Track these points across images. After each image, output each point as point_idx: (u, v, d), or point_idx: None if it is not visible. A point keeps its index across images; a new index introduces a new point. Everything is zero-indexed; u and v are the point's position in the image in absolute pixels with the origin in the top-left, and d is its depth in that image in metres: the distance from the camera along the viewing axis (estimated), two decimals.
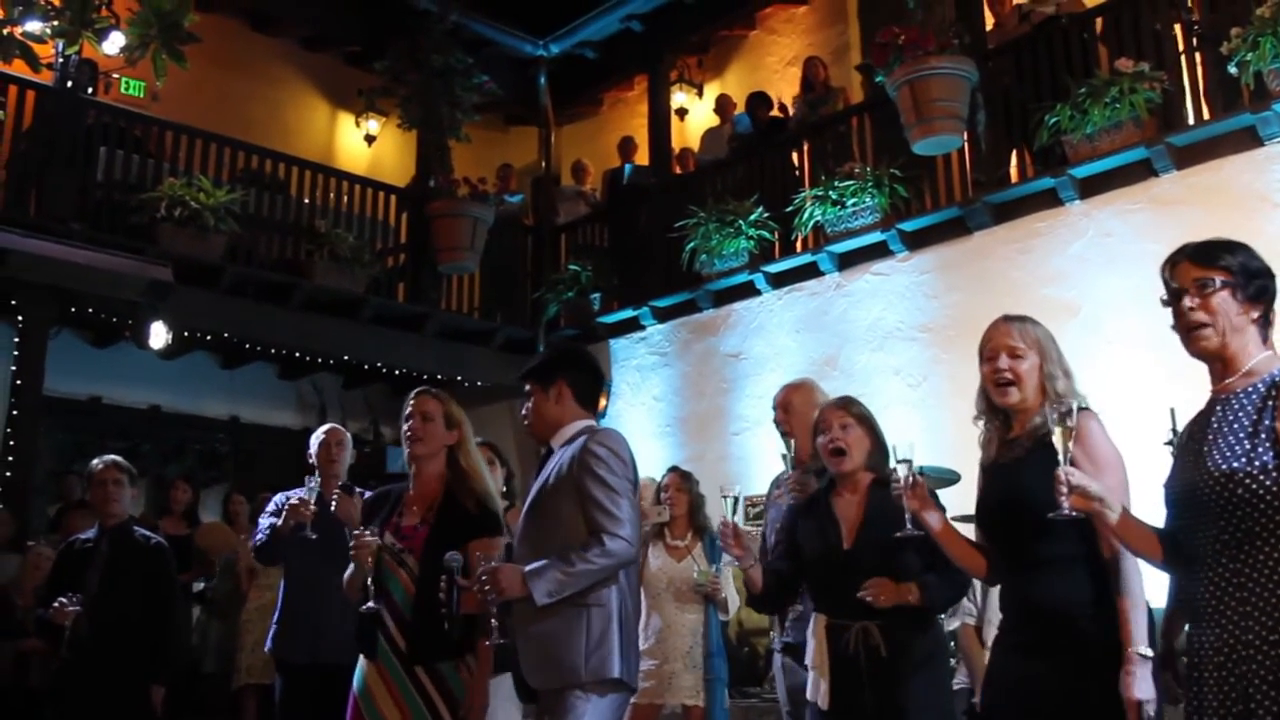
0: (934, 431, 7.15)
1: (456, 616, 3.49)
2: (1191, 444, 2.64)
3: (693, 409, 10.35)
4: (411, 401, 4.02)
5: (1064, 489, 2.64)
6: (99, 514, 5.46)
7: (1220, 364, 2.61)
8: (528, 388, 3.74)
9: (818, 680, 3.81)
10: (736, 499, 3.78)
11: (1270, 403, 2.48)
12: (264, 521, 5.27)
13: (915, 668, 3.65)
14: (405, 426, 3.98)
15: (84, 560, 5.35)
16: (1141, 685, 2.86)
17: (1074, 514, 2.68)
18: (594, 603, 3.37)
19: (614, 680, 3.36)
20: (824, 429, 3.87)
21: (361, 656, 3.87)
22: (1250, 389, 2.54)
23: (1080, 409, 3.07)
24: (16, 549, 7.22)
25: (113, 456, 5.51)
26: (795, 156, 10.12)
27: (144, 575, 5.36)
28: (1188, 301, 2.59)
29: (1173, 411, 5.89)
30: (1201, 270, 2.61)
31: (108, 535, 5.38)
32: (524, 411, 3.75)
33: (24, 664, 6.75)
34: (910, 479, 3.24)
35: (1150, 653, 2.88)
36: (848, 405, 3.91)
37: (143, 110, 10.52)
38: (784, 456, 4.21)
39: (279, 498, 5.25)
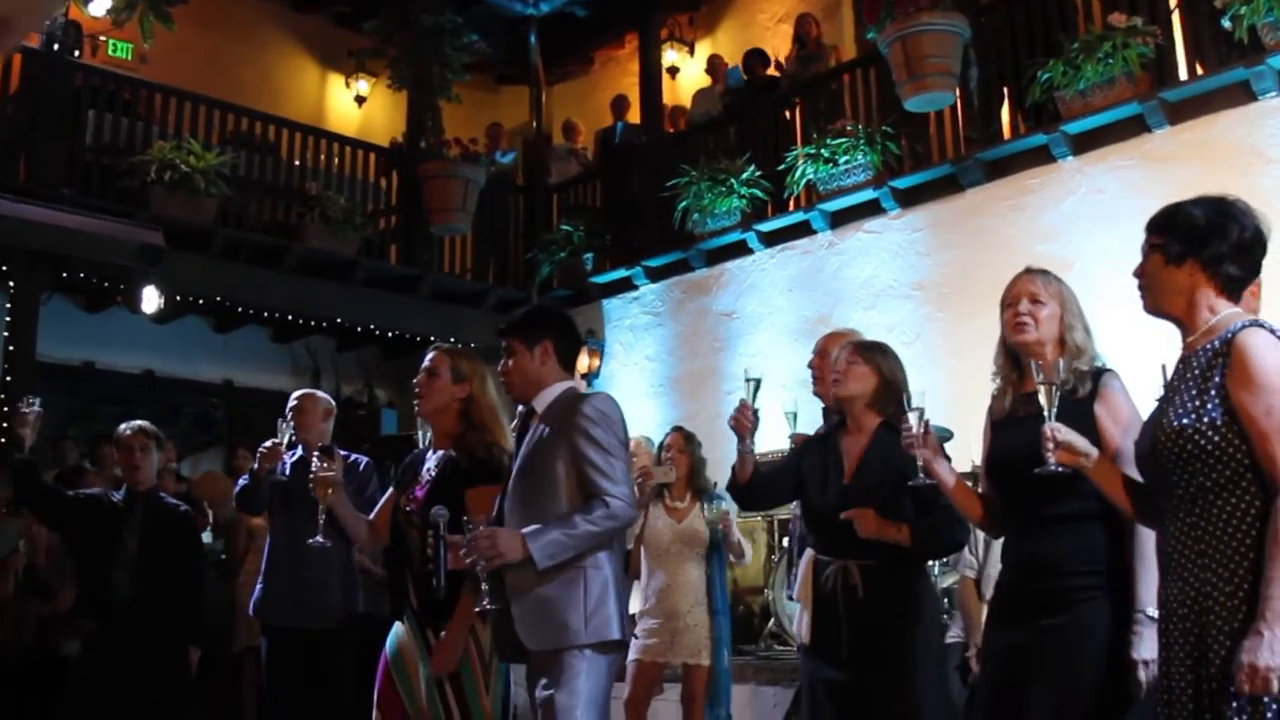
0: (927, 389, 7.15)
1: (442, 572, 3.45)
2: (1160, 403, 2.72)
3: (686, 368, 10.36)
4: (426, 357, 4.01)
5: (1050, 444, 2.74)
6: (126, 479, 5.44)
7: (1176, 324, 2.69)
8: (504, 345, 3.68)
9: (802, 614, 3.87)
10: (758, 382, 3.91)
11: (1221, 359, 2.53)
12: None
13: (894, 612, 3.68)
14: (414, 384, 3.98)
15: (117, 519, 5.33)
16: (1146, 646, 2.93)
17: (1059, 469, 2.77)
18: (590, 565, 3.37)
19: (613, 641, 3.38)
20: (834, 364, 3.99)
21: (396, 619, 3.91)
22: (1207, 346, 2.59)
23: (1104, 370, 3.21)
24: (17, 515, 7.23)
25: (140, 422, 5.50)
26: (787, 114, 10.08)
27: (176, 540, 5.39)
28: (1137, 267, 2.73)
29: (1164, 368, 5.89)
30: (1146, 237, 2.72)
31: (141, 500, 5.37)
32: (503, 368, 3.67)
33: (49, 627, 6.79)
34: (922, 428, 3.27)
35: (1156, 614, 2.89)
36: (860, 346, 3.99)
37: (131, 73, 10.44)
38: (787, 415, 4.23)
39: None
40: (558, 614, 3.32)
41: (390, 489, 4.14)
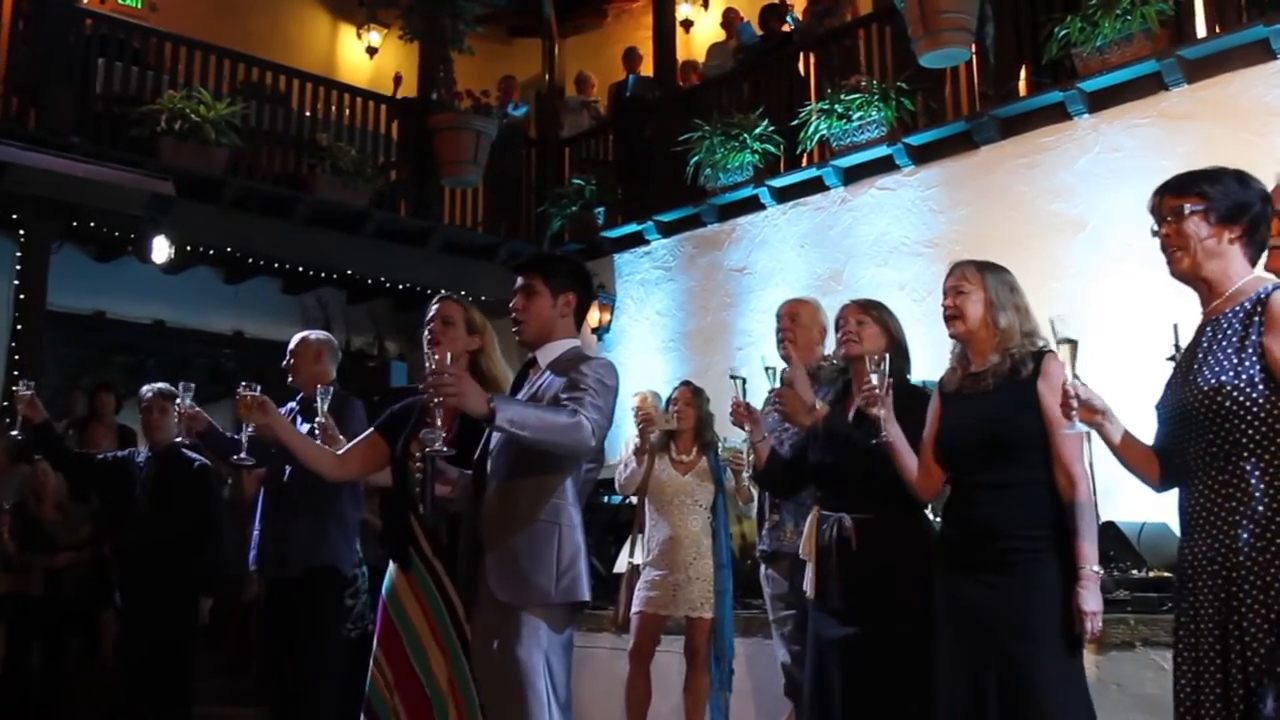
0: (938, 347, 7.10)
1: (430, 499, 3.41)
2: (1182, 365, 2.76)
3: (697, 324, 10.35)
4: (434, 306, 3.89)
5: (1074, 403, 2.75)
6: (146, 438, 5.79)
7: (1204, 286, 2.72)
8: (525, 281, 3.53)
9: (808, 569, 3.99)
10: (744, 379, 4.09)
11: (1256, 318, 2.58)
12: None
13: (887, 563, 3.75)
14: (425, 331, 3.85)
15: (133, 477, 5.69)
16: (1092, 598, 3.17)
17: (1082, 429, 2.82)
18: (566, 523, 3.31)
19: (578, 603, 3.34)
20: (841, 324, 4.07)
21: (391, 561, 3.86)
22: (1238, 308, 2.64)
23: (1046, 351, 3.40)
24: (24, 460, 7.30)
25: (160, 385, 5.76)
26: (801, 69, 10.00)
27: (188, 494, 5.64)
28: (1163, 229, 2.74)
29: (1175, 327, 5.89)
30: (1176, 199, 2.72)
31: (155, 457, 5.68)
32: (517, 306, 3.52)
33: (57, 578, 6.89)
34: (882, 388, 3.47)
35: (1100, 570, 3.19)
36: (865, 305, 4.10)
37: (141, 21, 10.39)
38: (767, 370, 4.30)
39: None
40: (530, 570, 3.28)
41: (371, 429, 4.02)
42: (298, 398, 5.31)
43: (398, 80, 11.90)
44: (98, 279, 9.74)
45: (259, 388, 4.00)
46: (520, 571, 3.29)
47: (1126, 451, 2.83)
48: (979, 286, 3.51)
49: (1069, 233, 7.77)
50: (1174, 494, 4.45)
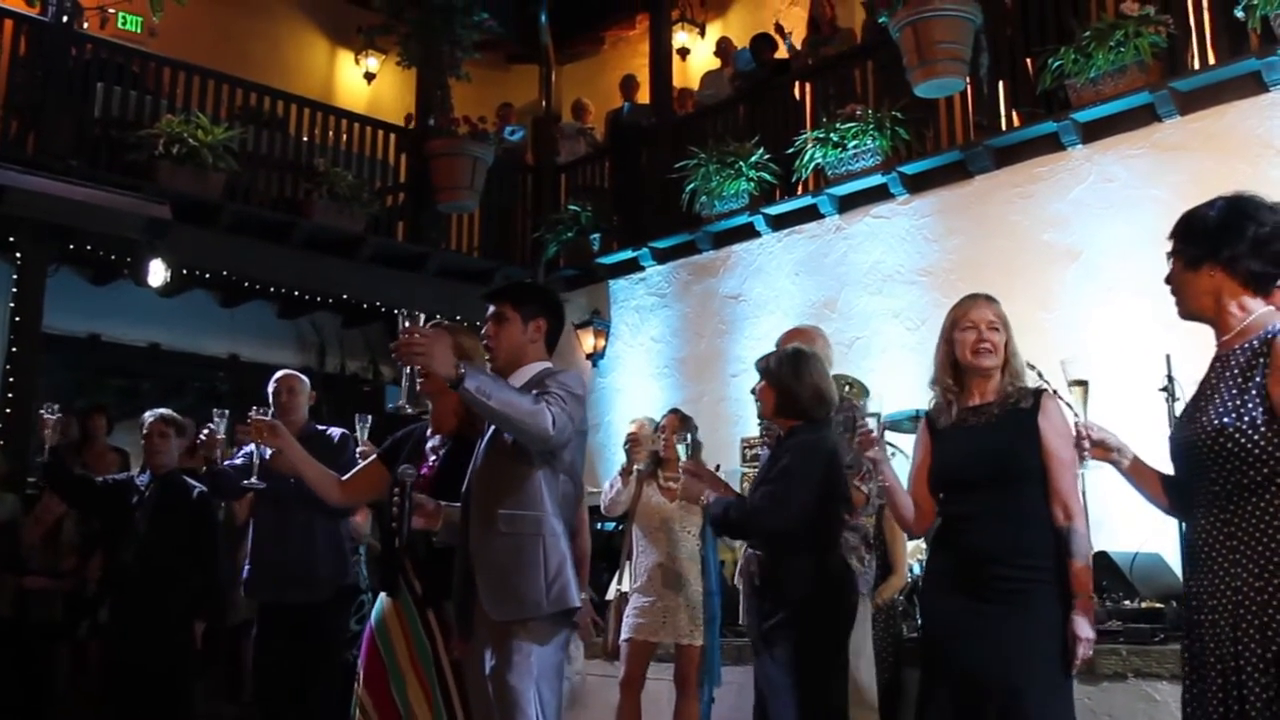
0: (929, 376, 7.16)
1: (406, 529, 3.43)
2: (1193, 399, 2.75)
3: (691, 350, 10.36)
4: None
5: (1086, 444, 2.83)
6: (147, 463, 5.85)
7: (1210, 323, 2.72)
8: (495, 308, 3.64)
9: (741, 599, 4.33)
10: (689, 443, 4.49)
11: (1261, 359, 2.55)
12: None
13: (786, 598, 3.93)
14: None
15: (134, 501, 5.77)
16: (1087, 625, 3.26)
17: (1093, 464, 2.92)
18: (548, 533, 3.37)
19: (569, 610, 3.40)
20: None
21: (382, 590, 3.88)
22: (1245, 345, 2.61)
23: (1042, 389, 3.54)
24: (11, 488, 7.29)
25: (163, 410, 5.88)
26: (797, 97, 10.04)
27: (188, 520, 5.75)
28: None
29: (1168, 358, 5.91)
30: (1169, 243, 2.77)
31: (157, 482, 5.77)
32: (488, 333, 3.63)
33: (25, 600, 6.88)
34: (878, 430, 3.62)
35: (1096, 599, 3.34)
36: (761, 361, 4.28)
37: (140, 46, 10.43)
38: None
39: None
40: (518, 583, 3.33)
41: (373, 456, 4.11)
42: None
43: (409, 119, 11.92)
44: (93, 302, 9.74)
45: (270, 412, 4.04)
46: (510, 587, 3.34)
47: (1139, 479, 2.86)
48: (1005, 326, 3.59)
49: (1062, 262, 7.80)
50: (1168, 525, 4.54)
